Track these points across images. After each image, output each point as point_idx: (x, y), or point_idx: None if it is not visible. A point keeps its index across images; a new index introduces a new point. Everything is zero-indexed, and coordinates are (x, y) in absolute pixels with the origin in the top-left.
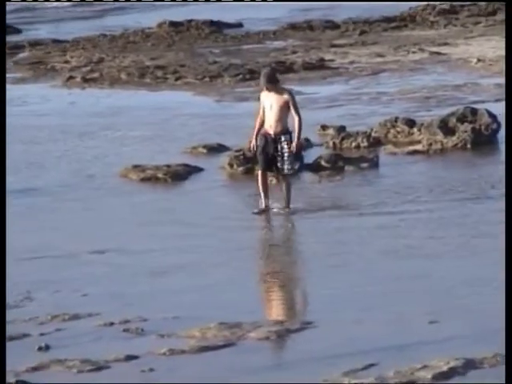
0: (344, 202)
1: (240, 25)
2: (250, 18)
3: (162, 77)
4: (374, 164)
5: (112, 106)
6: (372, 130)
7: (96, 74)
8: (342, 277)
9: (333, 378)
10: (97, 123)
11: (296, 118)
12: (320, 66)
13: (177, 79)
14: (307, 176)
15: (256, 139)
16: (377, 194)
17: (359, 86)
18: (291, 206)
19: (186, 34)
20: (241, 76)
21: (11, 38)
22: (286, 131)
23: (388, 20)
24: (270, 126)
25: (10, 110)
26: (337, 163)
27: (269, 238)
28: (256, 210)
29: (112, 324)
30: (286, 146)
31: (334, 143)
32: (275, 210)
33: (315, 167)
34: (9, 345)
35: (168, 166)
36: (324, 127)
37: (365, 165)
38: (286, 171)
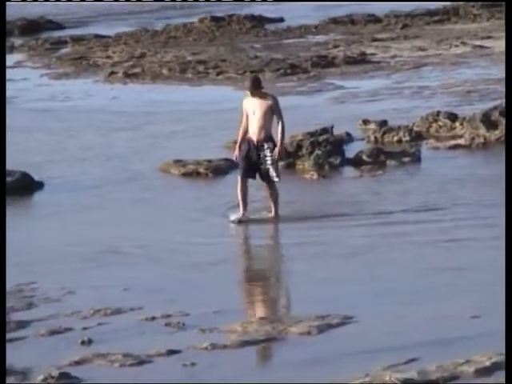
0: (384, 197)
1: (281, 19)
2: (289, 13)
3: (204, 72)
4: (416, 158)
5: (153, 100)
6: (414, 124)
7: (138, 69)
8: (383, 272)
9: (374, 372)
10: (138, 118)
11: (279, 123)
12: (361, 60)
13: (218, 74)
14: (348, 171)
15: (240, 147)
16: (420, 188)
17: (401, 80)
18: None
19: (227, 29)
20: (282, 71)
21: (54, 34)
22: (269, 138)
23: (430, 13)
24: (254, 133)
25: (52, 105)
26: (378, 157)
27: (307, 234)
28: (233, 219)
29: (154, 318)
30: (268, 154)
31: (375, 137)
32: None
33: (356, 162)
34: (52, 339)
35: (209, 161)
36: (365, 121)
37: (407, 159)
38: (275, 179)
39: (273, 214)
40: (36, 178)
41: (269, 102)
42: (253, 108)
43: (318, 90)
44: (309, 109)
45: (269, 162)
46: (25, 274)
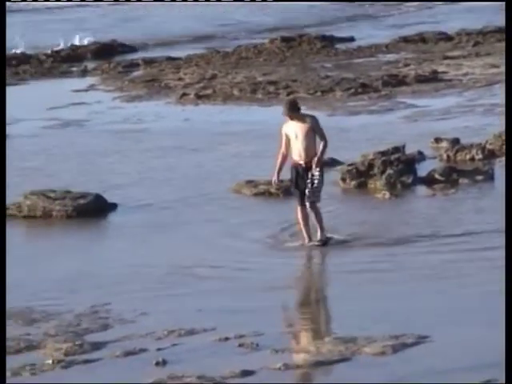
0: (458, 217)
1: (352, 39)
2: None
3: (274, 92)
4: (490, 177)
5: (225, 121)
6: (487, 142)
7: (209, 91)
8: (459, 292)
9: None
10: (210, 139)
11: (322, 142)
12: (433, 78)
13: (288, 94)
14: (420, 190)
15: (278, 174)
16: (494, 207)
17: (473, 97)
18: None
19: (297, 49)
20: (353, 90)
21: (126, 57)
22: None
23: (501, 30)
24: (300, 156)
25: (125, 127)
26: (451, 176)
27: (379, 254)
28: (298, 244)
29: (227, 339)
30: (317, 173)
31: (447, 156)
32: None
33: (429, 180)
34: (127, 360)
35: (281, 181)
36: (437, 140)
37: (480, 177)
38: (315, 199)
39: (318, 237)
40: (110, 199)
41: (309, 123)
42: (295, 132)
43: (389, 108)
44: (380, 128)
45: (316, 181)
46: (99, 295)
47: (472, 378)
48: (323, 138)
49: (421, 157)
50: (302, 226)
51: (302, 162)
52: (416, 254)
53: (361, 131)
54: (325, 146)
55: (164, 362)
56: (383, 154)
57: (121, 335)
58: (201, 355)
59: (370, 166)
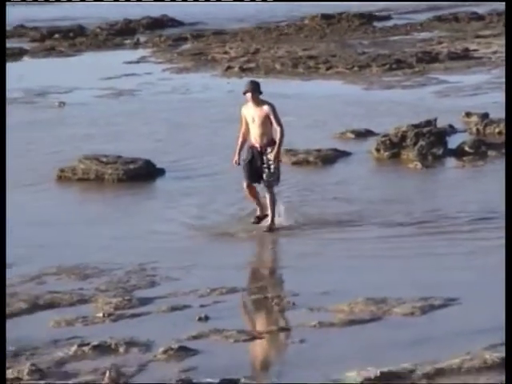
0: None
1: (388, 17)
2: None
3: (314, 66)
4: None
5: (266, 93)
6: None
7: (252, 64)
8: (485, 257)
9: (475, 351)
10: None
11: (278, 129)
12: (464, 55)
13: (328, 69)
14: (450, 161)
15: (239, 153)
16: None
17: (502, 74)
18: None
19: (337, 26)
20: (388, 66)
21: (175, 31)
22: (272, 142)
23: None
24: (255, 139)
25: (174, 97)
26: (480, 148)
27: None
28: (253, 220)
29: (266, 298)
30: (272, 158)
31: (477, 129)
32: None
33: (458, 153)
34: (172, 315)
35: (318, 151)
36: (468, 114)
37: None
38: (274, 183)
39: (269, 220)
40: (158, 165)
41: (266, 109)
42: (252, 116)
43: (422, 84)
44: (413, 102)
45: (272, 166)
46: (147, 254)
47: (494, 340)
48: (279, 125)
49: (451, 130)
50: (252, 201)
51: (257, 146)
52: (446, 222)
53: (395, 104)
54: (282, 135)
55: (206, 318)
56: (416, 126)
57: (166, 292)
58: (240, 312)
59: (403, 137)
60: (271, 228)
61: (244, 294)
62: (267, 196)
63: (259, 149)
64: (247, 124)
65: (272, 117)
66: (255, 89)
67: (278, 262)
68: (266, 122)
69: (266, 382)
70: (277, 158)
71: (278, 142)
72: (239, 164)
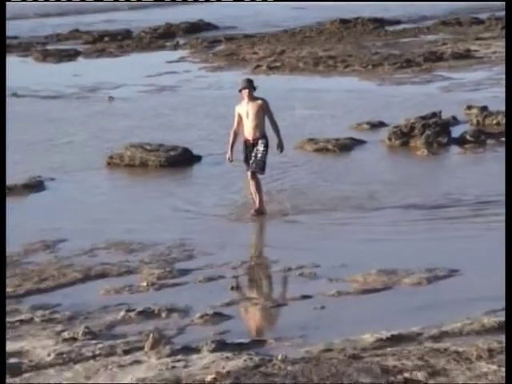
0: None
1: (399, 22)
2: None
3: (333, 65)
4: None
5: (291, 89)
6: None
7: (278, 63)
8: (485, 234)
9: (474, 316)
10: (279, 103)
11: (274, 126)
12: (467, 55)
13: (345, 67)
14: (454, 148)
15: (232, 150)
16: None
17: (500, 72)
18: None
19: (353, 30)
20: (398, 64)
21: (210, 34)
22: (264, 136)
23: None
24: (249, 133)
25: (209, 93)
26: (480, 137)
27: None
28: (253, 213)
29: (289, 269)
30: (261, 148)
31: (477, 121)
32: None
33: (461, 141)
34: (207, 285)
35: (337, 139)
36: (469, 107)
37: (503, 139)
38: (260, 171)
39: (257, 206)
40: (195, 152)
41: (260, 104)
42: (246, 111)
43: (429, 80)
44: (421, 96)
45: (260, 155)
46: (185, 231)
47: (493, 306)
48: (273, 120)
49: (454, 121)
50: (253, 194)
51: (250, 139)
52: (448, 199)
53: (404, 99)
54: (278, 130)
55: (238, 287)
56: (423, 118)
57: (203, 264)
58: (268, 282)
59: (412, 128)
60: (260, 211)
61: (271, 267)
62: (253, 182)
63: (251, 141)
64: (240, 121)
65: (266, 112)
66: (251, 85)
67: (300, 239)
68: (259, 116)
69: (290, 342)
70: (282, 148)
71: (278, 134)
72: (232, 160)
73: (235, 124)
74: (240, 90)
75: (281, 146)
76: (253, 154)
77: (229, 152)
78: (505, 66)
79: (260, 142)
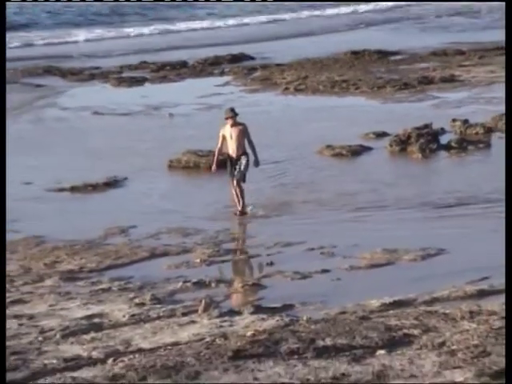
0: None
1: (398, 52)
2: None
3: (346, 87)
4: (488, 145)
5: (314, 107)
6: (486, 122)
7: (303, 86)
8: (469, 222)
9: (459, 285)
10: (302, 117)
11: (251, 144)
12: (451, 79)
13: (355, 89)
14: (442, 153)
15: (216, 164)
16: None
17: (478, 92)
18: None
19: (362, 59)
20: (398, 86)
21: (248, 63)
22: (245, 153)
23: (501, 48)
24: (233, 151)
25: (249, 110)
26: (462, 144)
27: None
28: (237, 213)
29: (313, 249)
30: (243, 162)
31: (460, 131)
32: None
33: (447, 147)
34: (248, 261)
35: (349, 146)
36: (454, 120)
37: (481, 145)
38: (242, 180)
39: (240, 208)
40: None
41: (242, 128)
42: (230, 133)
43: (421, 99)
44: (416, 111)
45: (242, 167)
46: (231, 219)
47: (475, 276)
48: (250, 141)
49: (442, 131)
50: (235, 197)
51: (234, 155)
52: (435, 192)
53: (403, 114)
54: (254, 148)
55: (271, 263)
56: (417, 128)
57: (244, 245)
58: (296, 259)
59: (409, 136)
60: (242, 212)
61: (297, 247)
62: (238, 189)
63: (235, 157)
64: (223, 141)
65: (246, 133)
66: (234, 114)
67: (320, 226)
68: (240, 138)
69: (313, 306)
70: (257, 162)
71: (255, 152)
72: (215, 171)
73: (219, 143)
74: (226, 118)
75: (257, 162)
76: (237, 167)
77: (214, 165)
78: (505, 65)
79: (242, 157)
